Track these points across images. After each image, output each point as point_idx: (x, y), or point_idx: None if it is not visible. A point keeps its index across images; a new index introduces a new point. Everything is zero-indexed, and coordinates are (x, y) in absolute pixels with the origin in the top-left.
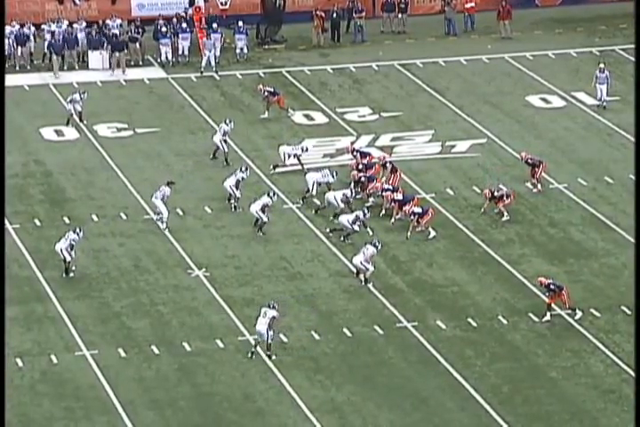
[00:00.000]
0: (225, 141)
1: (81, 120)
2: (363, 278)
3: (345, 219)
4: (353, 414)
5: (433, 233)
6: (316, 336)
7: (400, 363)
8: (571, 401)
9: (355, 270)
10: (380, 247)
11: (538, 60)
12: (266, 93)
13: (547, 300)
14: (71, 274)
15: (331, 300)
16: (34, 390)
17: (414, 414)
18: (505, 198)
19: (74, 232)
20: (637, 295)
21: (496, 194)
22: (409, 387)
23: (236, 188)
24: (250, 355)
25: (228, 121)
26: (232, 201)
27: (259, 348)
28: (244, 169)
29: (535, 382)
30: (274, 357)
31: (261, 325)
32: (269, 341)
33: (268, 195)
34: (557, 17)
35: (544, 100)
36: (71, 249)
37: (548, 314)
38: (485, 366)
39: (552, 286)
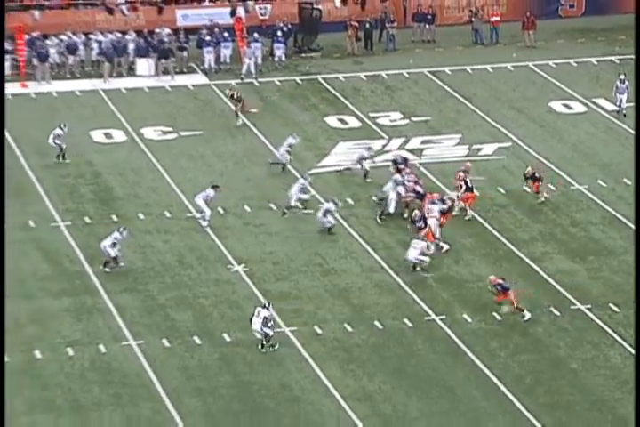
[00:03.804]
0: (289, 152)
1: (63, 158)
2: (420, 270)
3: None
4: (383, 402)
5: (446, 247)
6: (349, 328)
7: (428, 354)
8: (590, 391)
9: (411, 265)
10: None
11: (560, 68)
12: (233, 98)
13: (495, 298)
14: (107, 269)
15: (363, 294)
16: (84, 377)
17: (441, 402)
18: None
19: (117, 231)
20: (637, 295)
21: (537, 175)
22: (436, 377)
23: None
24: (261, 348)
25: (295, 134)
26: (297, 207)
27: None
28: (306, 176)
29: (556, 372)
30: (269, 349)
31: (256, 324)
32: (271, 335)
33: (333, 201)
34: (579, 27)
35: (566, 105)
36: (113, 246)
37: (505, 307)
38: (509, 357)
39: (500, 286)
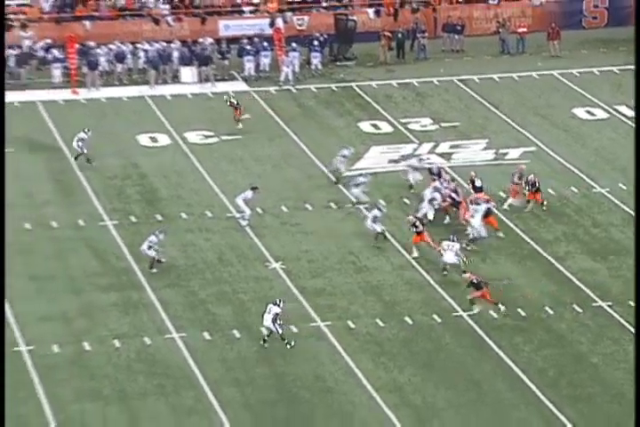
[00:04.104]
0: (338, 163)
1: (88, 161)
2: (462, 271)
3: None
4: (413, 394)
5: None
6: (381, 323)
7: (456, 348)
8: (610, 385)
9: (443, 268)
10: (457, 240)
11: (584, 77)
12: (232, 105)
13: (469, 295)
14: (154, 270)
15: (394, 291)
16: (129, 368)
17: (468, 394)
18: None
19: (154, 234)
20: (637, 293)
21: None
22: (463, 370)
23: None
24: (262, 342)
25: (348, 146)
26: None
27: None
28: (364, 175)
29: (578, 366)
30: (291, 344)
31: (267, 321)
32: (280, 332)
33: (378, 208)
34: (602, 38)
35: (589, 112)
36: (149, 248)
37: (475, 307)
38: (533, 351)
39: (474, 284)
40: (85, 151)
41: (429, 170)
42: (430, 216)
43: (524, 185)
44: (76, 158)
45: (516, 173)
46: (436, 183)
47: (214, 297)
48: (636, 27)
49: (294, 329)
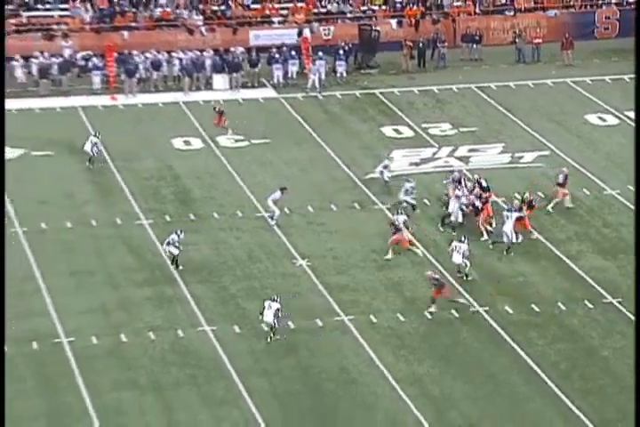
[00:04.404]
0: (382, 173)
1: (90, 162)
2: (464, 274)
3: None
4: (432, 385)
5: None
6: (401, 318)
7: (473, 343)
8: (620, 377)
9: (457, 269)
10: (465, 241)
11: (595, 84)
12: (218, 109)
13: (432, 293)
14: (180, 267)
15: (414, 287)
16: (164, 359)
17: (485, 386)
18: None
19: (175, 233)
20: (637, 292)
21: (533, 203)
22: (480, 363)
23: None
24: (268, 340)
25: (389, 156)
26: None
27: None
28: (411, 182)
29: (589, 360)
30: (277, 337)
31: (268, 316)
32: (276, 326)
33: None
34: (613, 48)
35: (600, 118)
36: (168, 244)
37: (433, 306)
38: (546, 345)
39: (435, 281)
40: (96, 155)
41: (452, 178)
42: (460, 219)
43: (560, 187)
44: (89, 161)
45: (560, 175)
46: (458, 192)
47: (244, 292)
48: (636, 28)
49: (319, 323)
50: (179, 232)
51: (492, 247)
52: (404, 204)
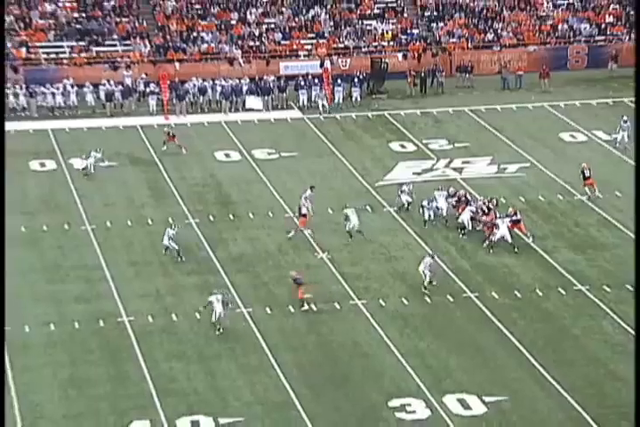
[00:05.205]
0: (399, 196)
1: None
2: (422, 285)
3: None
4: (431, 358)
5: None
6: (405, 302)
7: (465, 323)
8: (588, 352)
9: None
10: (435, 257)
11: (568, 108)
12: (168, 134)
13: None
14: (183, 258)
15: (416, 276)
16: (207, 335)
17: (475, 358)
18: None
19: (171, 228)
20: (637, 291)
21: (518, 216)
22: (471, 340)
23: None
24: (218, 331)
25: (409, 181)
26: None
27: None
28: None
29: (562, 337)
30: (220, 331)
31: (219, 308)
32: (222, 316)
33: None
34: (582, 77)
35: (572, 136)
36: (170, 240)
37: (306, 305)
38: (526, 325)
39: (296, 280)
40: (90, 167)
41: (458, 198)
42: (469, 227)
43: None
44: (84, 170)
45: (585, 170)
46: (470, 208)
47: (274, 280)
48: (636, 32)
49: (337, 306)
50: (173, 226)
51: (490, 248)
52: (406, 204)
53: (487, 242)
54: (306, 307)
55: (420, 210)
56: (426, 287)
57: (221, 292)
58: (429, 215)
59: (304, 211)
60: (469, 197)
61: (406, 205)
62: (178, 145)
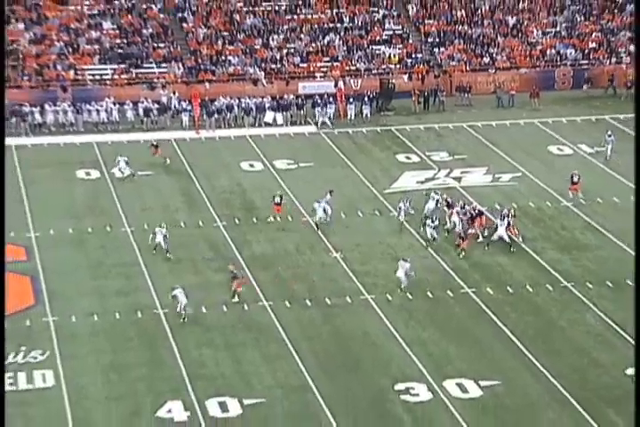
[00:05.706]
0: (405, 213)
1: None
2: (399, 287)
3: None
4: (433, 347)
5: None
6: (410, 297)
7: (464, 316)
8: (573, 342)
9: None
10: (409, 261)
11: (556, 124)
12: (155, 146)
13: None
14: (170, 256)
15: (419, 274)
16: (234, 326)
17: (472, 349)
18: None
19: (160, 227)
20: (637, 290)
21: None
22: (469, 331)
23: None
24: (183, 319)
25: (433, 193)
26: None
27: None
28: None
29: (550, 329)
30: (184, 320)
31: (184, 300)
32: (185, 308)
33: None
34: (568, 96)
35: (559, 149)
36: (164, 240)
37: (236, 297)
38: (518, 318)
39: (232, 274)
40: (124, 170)
41: (447, 203)
42: (459, 228)
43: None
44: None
45: (575, 175)
46: (455, 210)
47: (293, 276)
48: (636, 32)
49: (349, 300)
50: (162, 226)
51: (488, 248)
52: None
53: (483, 239)
54: (236, 299)
55: (422, 228)
56: (402, 290)
57: (179, 286)
58: (431, 234)
59: (277, 199)
60: (480, 210)
61: (405, 224)
62: (163, 157)
